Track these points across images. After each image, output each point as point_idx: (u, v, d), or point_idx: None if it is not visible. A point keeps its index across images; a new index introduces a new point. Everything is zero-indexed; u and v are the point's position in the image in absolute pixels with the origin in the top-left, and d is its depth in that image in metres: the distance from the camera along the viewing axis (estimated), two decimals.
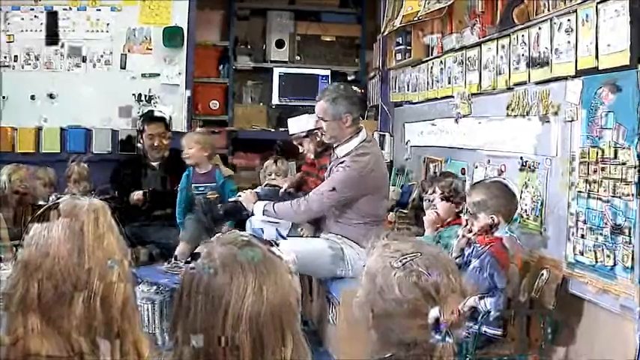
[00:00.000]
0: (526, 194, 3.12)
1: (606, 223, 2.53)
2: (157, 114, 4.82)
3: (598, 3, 2.57)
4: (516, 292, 2.86)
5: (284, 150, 5.25)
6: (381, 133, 5.29)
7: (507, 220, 2.81)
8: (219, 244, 1.30)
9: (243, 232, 1.46)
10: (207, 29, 5.75)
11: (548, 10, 2.99)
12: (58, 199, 1.39)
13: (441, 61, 4.25)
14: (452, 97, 4.00)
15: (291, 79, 6.03)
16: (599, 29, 2.56)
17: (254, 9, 6.13)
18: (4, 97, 4.76)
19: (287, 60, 6.07)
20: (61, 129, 4.87)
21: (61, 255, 1.27)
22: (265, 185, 4.18)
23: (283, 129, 5.24)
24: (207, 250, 1.29)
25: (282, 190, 4.00)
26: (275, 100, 6.04)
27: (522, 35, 3.17)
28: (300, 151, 4.09)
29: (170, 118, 4.89)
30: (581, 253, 2.68)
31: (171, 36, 4.97)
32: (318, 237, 3.65)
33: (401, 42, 4.85)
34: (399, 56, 4.93)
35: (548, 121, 2.97)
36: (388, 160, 4.95)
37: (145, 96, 4.99)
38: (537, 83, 3.05)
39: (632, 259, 2.39)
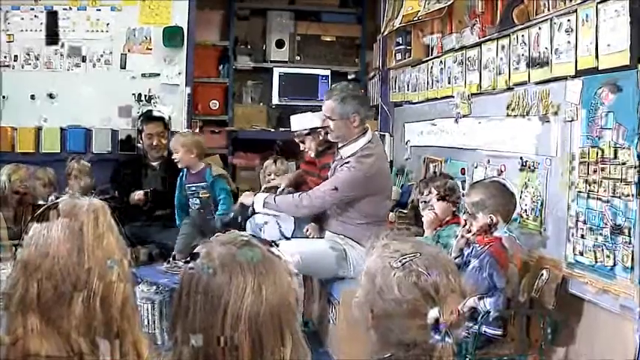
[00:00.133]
0: (526, 194, 3.11)
1: (606, 223, 2.53)
2: (155, 113, 4.82)
3: (598, 3, 2.57)
4: (516, 292, 2.86)
5: (284, 150, 5.24)
6: (381, 133, 5.29)
7: (506, 219, 2.81)
8: (218, 244, 1.30)
9: (242, 232, 1.46)
10: (207, 29, 5.74)
11: (548, 10, 2.99)
12: (57, 199, 1.39)
13: (441, 61, 4.25)
14: (452, 97, 4.00)
15: (291, 79, 6.01)
16: (599, 29, 2.56)
17: (254, 9, 6.11)
18: (4, 97, 4.75)
19: (287, 60, 6.05)
20: (61, 129, 4.85)
21: (60, 255, 1.27)
22: (264, 190, 4.17)
23: (283, 129, 5.25)
24: (206, 249, 1.29)
25: (279, 190, 3.99)
26: (275, 100, 6.03)
27: (522, 35, 3.17)
28: (302, 149, 4.07)
29: (170, 117, 4.88)
30: (581, 253, 2.68)
31: (171, 36, 4.96)
32: (323, 237, 3.64)
33: (401, 42, 4.85)
34: (399, 56, 4.93)
35: (548, 121, 2.97)
36: (388, 160, 4.94)
37: (145, 96, 4.98)
38: (537, 83, 3.05)
39: (632, 259, 2.39)
